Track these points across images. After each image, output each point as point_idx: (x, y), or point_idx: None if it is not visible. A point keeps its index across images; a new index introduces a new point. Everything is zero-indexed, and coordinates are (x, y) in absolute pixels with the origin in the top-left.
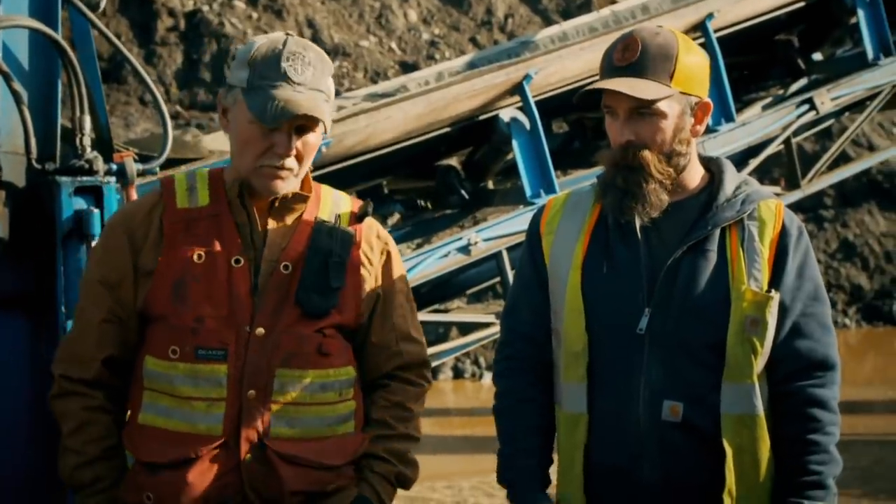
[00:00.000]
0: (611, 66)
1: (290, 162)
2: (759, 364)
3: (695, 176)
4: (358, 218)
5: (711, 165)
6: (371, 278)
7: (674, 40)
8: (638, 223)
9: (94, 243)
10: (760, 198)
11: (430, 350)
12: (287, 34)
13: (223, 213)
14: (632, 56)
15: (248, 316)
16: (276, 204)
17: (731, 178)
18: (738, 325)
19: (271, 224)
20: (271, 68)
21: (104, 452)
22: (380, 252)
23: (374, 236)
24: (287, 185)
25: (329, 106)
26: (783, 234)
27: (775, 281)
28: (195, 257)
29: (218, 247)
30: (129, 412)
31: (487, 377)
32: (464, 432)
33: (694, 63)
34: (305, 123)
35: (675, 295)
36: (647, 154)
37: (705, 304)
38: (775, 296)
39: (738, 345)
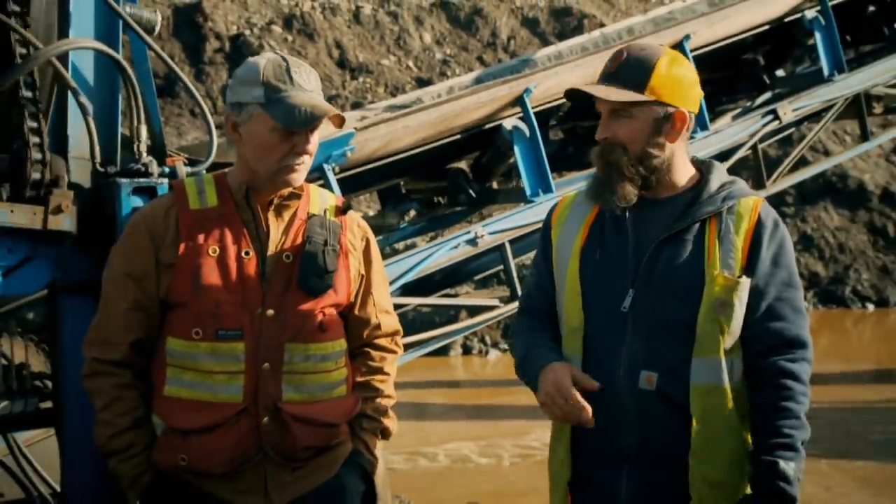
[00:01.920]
0: (601, 75)
1: (307, 158)
2: (727, 341)
3: (683, 176)
4: (342, 210)
5: (703, 167)
6: (356, 262)
7: (656, 55)
8: (628, 217)
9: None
10: (742, 195)
11: (442, 330)
12: (274, 52)
13: (231, 213)
14: (614, 66)
15: (259, 300)
16: (275, 202)
17: (717, 178)
18: (709, 306)
19: (272, 220)
20: (284, 81)
21: (134, 422)
22: (360, 238)
23: (355, 225)
24: (302, 178)
25: None
26: (758, 226)
27: (750, 268)
28: (210, 251)
29: (229, 242)
30: (154, 386)
31: (493, 353)
32: (472, 402)
33: (674, 75)
34: (316, 123)
35: (655, 277)
36: (619, 153)
37: (681, 286)
38: (744, 281)
39: (707, 323)
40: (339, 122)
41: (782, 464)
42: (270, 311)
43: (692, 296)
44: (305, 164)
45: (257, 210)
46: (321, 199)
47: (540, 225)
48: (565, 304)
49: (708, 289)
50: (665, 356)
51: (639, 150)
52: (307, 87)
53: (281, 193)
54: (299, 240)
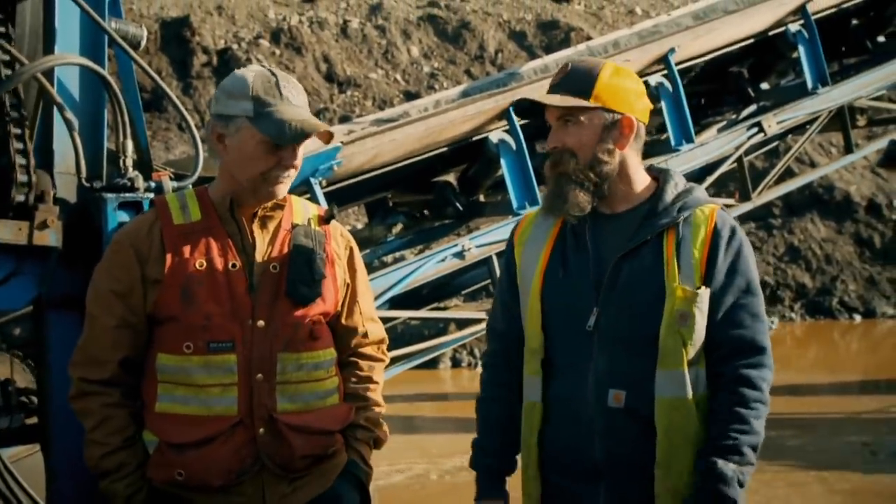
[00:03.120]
0: (549, 87)
1: (292, 172)
2: (690, 353)
3: (638, 186)
4: (325, 220)
5: (659, 176)
6: (341, 270)
7: (600, 66)
8: (588, 232)
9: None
10: (697, 204)
11: (432, 342)
12: (261, 66)
13: (215, 226)
14: (560, 77)
15: (248, 311)
16: (259, 213)
17: (673, 188)
18: (670, 319)
19: (257, 231)
20: (274, 95)
21: (125, 441)
22: (344, 248)
23: (339, 235)
24: (287, 189)
25: None
26: (714, 236)
27: (708, 278)
28: (197, 265)
29: (216, 254)
30: (145, 404)
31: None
32: (461, 415)
33: (618, 83)
34: (306, 138)
35: (616, 295)
36: (569, 160)
37: (642, 301)
38: (702, 292)
39: (669, 336)
40: (328, 137)
41: (720, 464)
42: (261, 322)
43: (654, 310)
44: (290, 177)
45: (242, 222)
46: (304, 210)
47: None
48: (526, 325)
49: (668, 302)
50: (631, 372)
51: (588, 156)
52: (295, 101)
53: (265, 205)
54: (285, 250)
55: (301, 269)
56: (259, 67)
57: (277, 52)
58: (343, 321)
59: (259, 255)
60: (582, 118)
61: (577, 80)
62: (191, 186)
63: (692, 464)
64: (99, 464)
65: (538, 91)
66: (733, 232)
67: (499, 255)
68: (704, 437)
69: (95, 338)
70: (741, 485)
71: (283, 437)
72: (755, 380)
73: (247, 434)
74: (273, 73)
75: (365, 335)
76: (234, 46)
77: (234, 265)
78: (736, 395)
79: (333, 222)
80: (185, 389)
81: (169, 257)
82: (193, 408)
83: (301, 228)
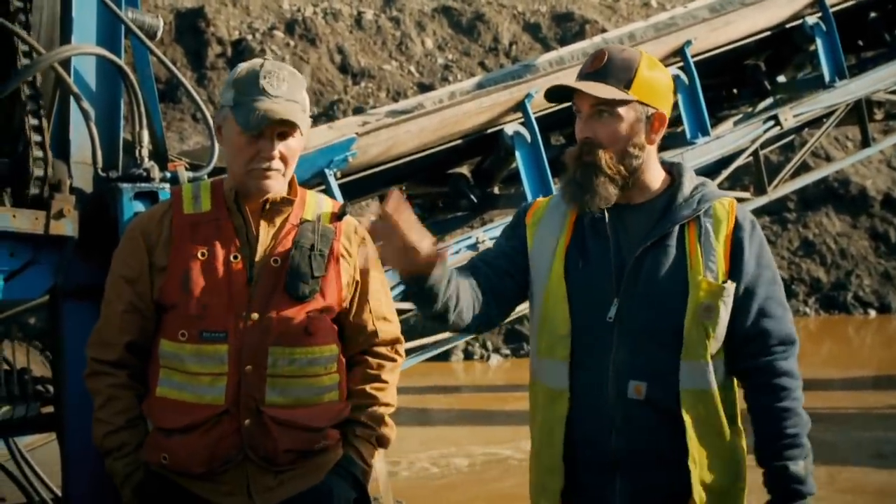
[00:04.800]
0: (581, 73)
1: (276, 164)
2: (712, 345)
3: (656, 180)
4: (337, 217)
5: (673, 170)
6: (350, 267)
7: (637, 56)
8: (608, 222)
9: None
10: (715, 197)
11: (444, 335)
12: (265, 59)
13: (222, 217)
14: (598, 64)
15: (244, 303)
16: (267, 207)
17: (689, 181)
18: (694, 312)
19: (262, 225)
20: (251, 86)
21: (128, 422)
22: (357, 244)
23: (352, 231)
24: (276, 184)
25: (305, 115)
26: (737, 229)
27: (734, 271)
28: (199, 255)
29: (218, 246)
30: (149, 387)
31: (494, 359)
32: (473, 407)
33: (654, 77)
34: (286, 130)
35: (639, 286)
36: (600, 152)
37: (666, 293)
38: (729, 286)
39: (693, 328)
40: (293, 129)
41: (792, 466)
42: (255, 315)
43: (677, 302)
44: (279, 170)
45: (247, 215)
46: (317, 205)
47: None
48: (550, 312)
49: (692, 294)
50: (653, 363)
51: (620, 149)
52: (274, 92)
53: (273, 199)
54: (289, 245)
55: (300, 265)
56: (259, 59)
57: (292, 43)
58: (351, 319)
59: (261, 249)
60: (619, 110)
61: (617, 70)
62: (206, 177)
63: (721, 455)
64: (103, 442)
65: (563, 79)
66: (753, 225)
67: None
68: (728, 429)
69: (107, 321)
70: (810, 476)
71: (268, 429)
72: (793, 369)
73: (232, 424)
74: (262, 65)
75: (374, 334)
76: (249, 37)
77: (235, 257)
78: (783, 389)
79: (348, 218)
80: (181, 376)
81: (174, 246)
82: (187, 395)
83: (308, 224)
